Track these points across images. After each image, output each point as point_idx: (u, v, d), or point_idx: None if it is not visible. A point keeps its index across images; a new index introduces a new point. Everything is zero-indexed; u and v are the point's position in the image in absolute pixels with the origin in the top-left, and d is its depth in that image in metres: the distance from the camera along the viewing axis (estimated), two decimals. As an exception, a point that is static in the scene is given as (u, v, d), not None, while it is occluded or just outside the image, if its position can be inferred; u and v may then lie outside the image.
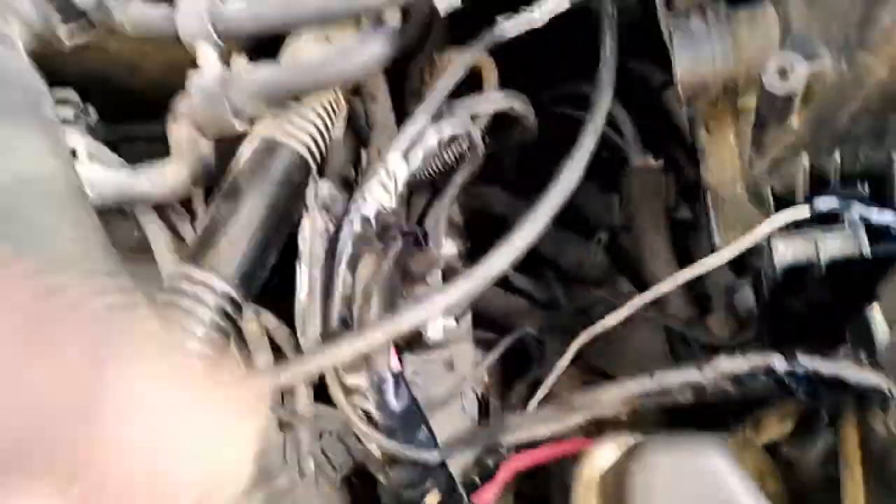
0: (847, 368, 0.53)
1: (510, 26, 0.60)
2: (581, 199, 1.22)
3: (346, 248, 0.53)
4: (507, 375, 1.02)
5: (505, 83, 0.84)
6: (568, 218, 1.22)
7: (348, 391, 0.56)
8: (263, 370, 0.50)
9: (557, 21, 0.70)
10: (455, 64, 0.58)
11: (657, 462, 0.46)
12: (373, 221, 0.55)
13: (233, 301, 0.58)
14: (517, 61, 0.86)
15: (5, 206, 0.39)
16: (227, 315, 0.57)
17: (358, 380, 0.54)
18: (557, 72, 1.15)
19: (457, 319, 0.76)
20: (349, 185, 0.82)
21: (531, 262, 1.29)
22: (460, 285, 0.56)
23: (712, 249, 0.74)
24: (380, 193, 0.54)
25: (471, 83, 0.95)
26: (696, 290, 1.02)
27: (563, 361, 0.78)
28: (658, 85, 1.16)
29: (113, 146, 0.77)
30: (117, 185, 0.65)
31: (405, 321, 0.50)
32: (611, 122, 1.10)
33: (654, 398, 0.58)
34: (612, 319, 0.73)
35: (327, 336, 0.52)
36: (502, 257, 0.58)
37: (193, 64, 0.63)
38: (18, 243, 0.38)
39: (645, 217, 1.06)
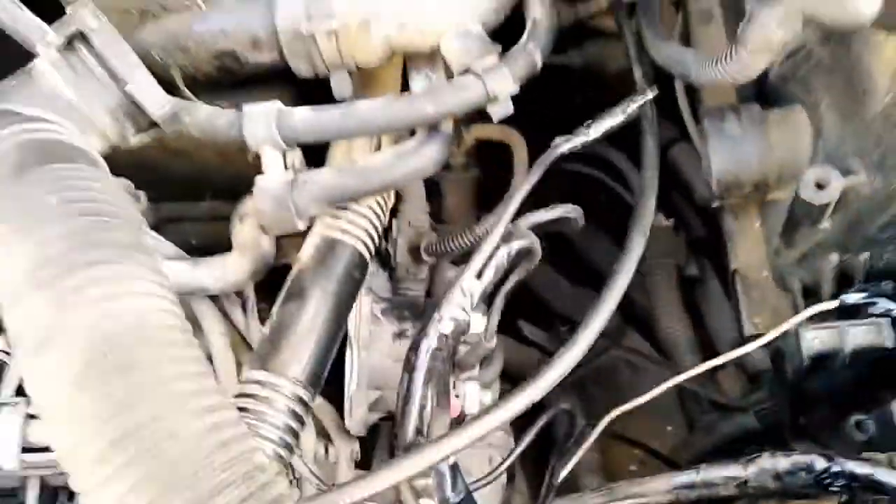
0: (881, 471, 0.57)
1: (567, 146, 0.64)
2: (594, 254, 1.27)
3: (423, 363, 0.56)
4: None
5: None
6: (580, 273, 1.27)
7: (417, 493, 0.59)
8: (345, 487, 0.52)
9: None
10: (521, 186, 0.61)
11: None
12: (449, 337, 0.58)
13: (303, 402, 0.60)
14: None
15: (127, 356, 0.41)
16: (297, 417, 0.59)
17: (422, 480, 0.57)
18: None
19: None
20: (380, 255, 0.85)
21: (544, 314, 1.33)
22: (528, 393, 0.59)
23: (740, 332, 0.78)
24: (457, 312, 0.57)
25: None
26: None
27: (593, 436, 0.81)
28: (665, 142, 1.21)
29: (156, 227, 0.78)
30: (177, 276, 0.67)
31: (476, 431, 0.53)
32: (624, 181, 1.14)
33: (699, 490, 0.62)
34: (643, 398, 0.76)
35: (406, 447, 0.54)
36: (564, 363, 0.61)
37: (242, 151, 0.66)
38: (140, 391, 0.40)
39: (657, 274, 1.11)
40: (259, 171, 0.65)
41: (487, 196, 1.07)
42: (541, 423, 0.76)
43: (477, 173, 1.03)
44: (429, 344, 0.56)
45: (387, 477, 0.52)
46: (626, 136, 0.84)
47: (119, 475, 0.40)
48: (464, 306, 0.58)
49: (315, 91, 0.69)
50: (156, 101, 0.57)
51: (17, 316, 0.44)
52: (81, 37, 0.55)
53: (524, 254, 0.62)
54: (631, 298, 1.18)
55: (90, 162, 0.53)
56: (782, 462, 0.59)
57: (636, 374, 1.18)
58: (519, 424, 1.02)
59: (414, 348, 0.57)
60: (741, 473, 0.60)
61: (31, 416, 0.59)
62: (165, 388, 0.43)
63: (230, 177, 0.73)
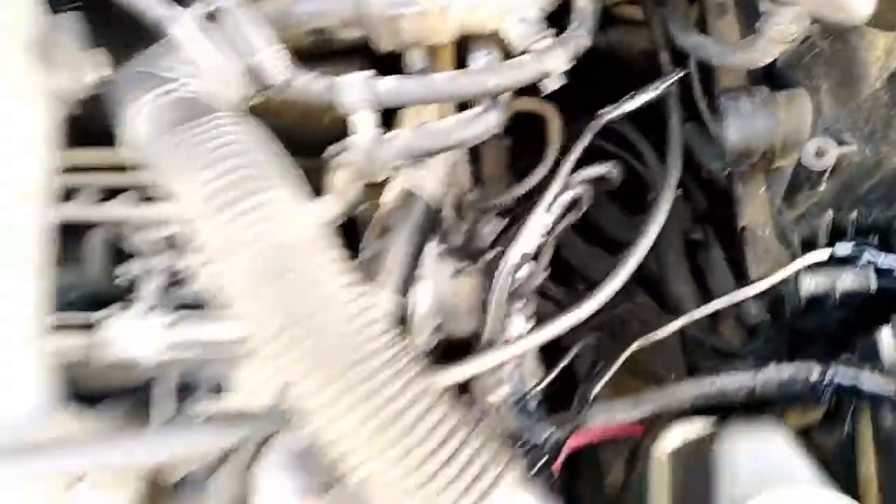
0: (865, 378, 0.70)
1: (613, 114, 0.77)
2: (607, 220, 1.40)
3: (505, 278, 0.69)
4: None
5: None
6: (596, 236, 1.40)
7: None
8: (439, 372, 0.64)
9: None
10: (577, 145, 0.74)
11: (740, 442, 0.62)
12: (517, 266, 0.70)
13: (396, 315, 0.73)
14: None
15: (291, 259, 0.53)
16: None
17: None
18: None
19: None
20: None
21: (564, 273, 1.46)
22: (563, 321, 0.72)
23: (744, 278, 0.92)
24: (526, 245, 0.69)
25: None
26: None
27: (616, 364, 0.94)
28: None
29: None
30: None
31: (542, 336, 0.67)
32: (638, 155, 1.27)
33: (714, 398, 0.76)
34: (665, 331, 0.89)
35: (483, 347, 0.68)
36: (592, 303, 0.75)
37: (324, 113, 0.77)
38: (302, 286, 0.52)
39: (666, 238, 1.23)
40: (338, 130, 0.77)
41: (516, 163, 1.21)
42: (572, 352, 0.89)
43: (509, 142, 1.16)
44: (509, 264, 0.69)
45: (465, 370, 0.65)
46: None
47: (286, 349, 0.52)
48: (531, 242, 0.71)
49: (377, 62, 0.81)
50: (277, 70, 0.69)
51: (203, 231, 0.56)
52: (216, 12, 0.66)
53: (575, 203, 0.74)
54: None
55: (230, 116, 0.64)
56: (785, 371, 0.72)
57: (645, 328, 1.32)
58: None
59: (493, 269, 0.70)
60: (750, 383, 0.73)
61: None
62: (323, 282, 0.55)
63: (309, 135, 0.85)
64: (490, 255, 0.87)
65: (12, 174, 0.61)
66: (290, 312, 0.53)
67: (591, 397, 0.81)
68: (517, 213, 0.98)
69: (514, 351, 0.69)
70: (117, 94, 0.66)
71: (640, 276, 1.34)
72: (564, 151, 0.90)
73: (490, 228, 0.93)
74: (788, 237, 0.88)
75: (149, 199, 0.76)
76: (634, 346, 0.93)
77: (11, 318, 0.59)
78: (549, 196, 0.72)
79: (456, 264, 0.90)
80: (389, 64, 0.81)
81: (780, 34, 0.68)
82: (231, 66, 0.67)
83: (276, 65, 0.68)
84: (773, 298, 0.92)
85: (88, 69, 0.68)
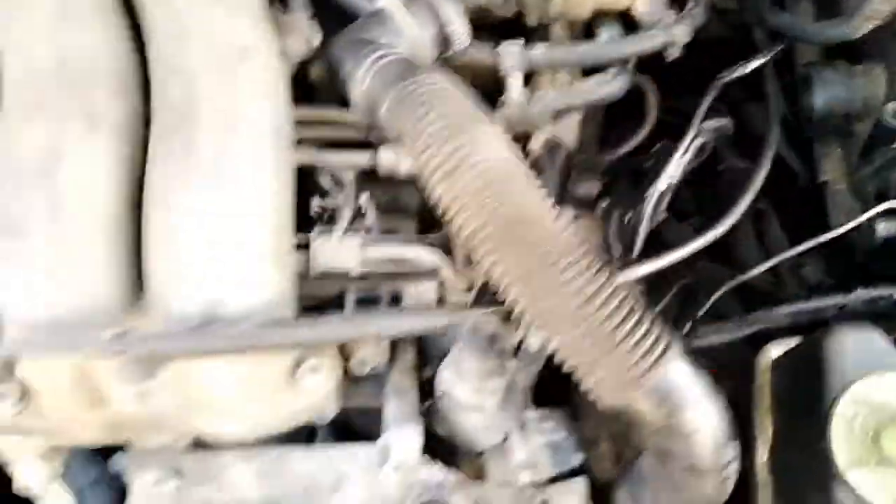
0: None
1: (730, 77, 0.93)
2: (680, 189, 1.55)
3: (656, 194, 0.86)
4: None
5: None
6: (669, 204, 1.56)
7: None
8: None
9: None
10: (705, 100, 0.91)
11: (842, 338, 0.77)
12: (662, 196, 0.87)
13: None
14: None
15: (509, 181, 0.68)
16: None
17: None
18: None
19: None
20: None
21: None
22: (672, 256, 0.88)
23: (827, 227, 1.06)
24: (672, 173, 0.86)
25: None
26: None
27: (707, 304, 1.10)
28: (739, 100, 1.49)
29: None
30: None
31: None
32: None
33: (809, 314, 0.91)
34: (756, 270, 1.04)
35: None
36: (697, 243, 0.91)
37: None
38: (514, 203, 0.67)
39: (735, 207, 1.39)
40: (494, 89, 0.92)
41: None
42: (673, 290, 1.04)
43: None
44: (658, 191, 0.85)
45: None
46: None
47: (501, 245, 0.67)
48: (673, 174, 0.87)
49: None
50: (462, 37, 0.84)
51: (429, 162, 0.70)
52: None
53: (700, 148, 0.90)
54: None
55: (437, 72, 0.79)
56: (873, 292, 0.87)
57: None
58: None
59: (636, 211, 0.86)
60: (842, 300, 0.88)
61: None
62: (528, 193, 0.70)
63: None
64: (602, 205, 1.03)
65: (261, 115, 0.77)
66: (504, 215, 0.68)
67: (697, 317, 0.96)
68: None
69: (643, 271, 0.84)
70: (338, 57, 0.82)
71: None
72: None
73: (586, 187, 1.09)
74: (863, 191, 1.03)
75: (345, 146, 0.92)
76: (725, 289, 1.09)
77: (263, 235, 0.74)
78: (686, 140, 0.88)
79: (574, 210, 1.06)
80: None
81: (874, 13, 0.83)
82: (426, 33, 0.83)
83: (462, 33, 0.84)
84: (849, 241, 1.07)
85: (313, 35, 0.84)
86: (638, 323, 0.68)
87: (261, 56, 0.76)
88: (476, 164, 0.70)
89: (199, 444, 0.82)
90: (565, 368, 0.70)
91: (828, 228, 1.03)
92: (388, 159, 0.94)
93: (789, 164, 1.21)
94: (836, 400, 0.73)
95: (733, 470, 0.72)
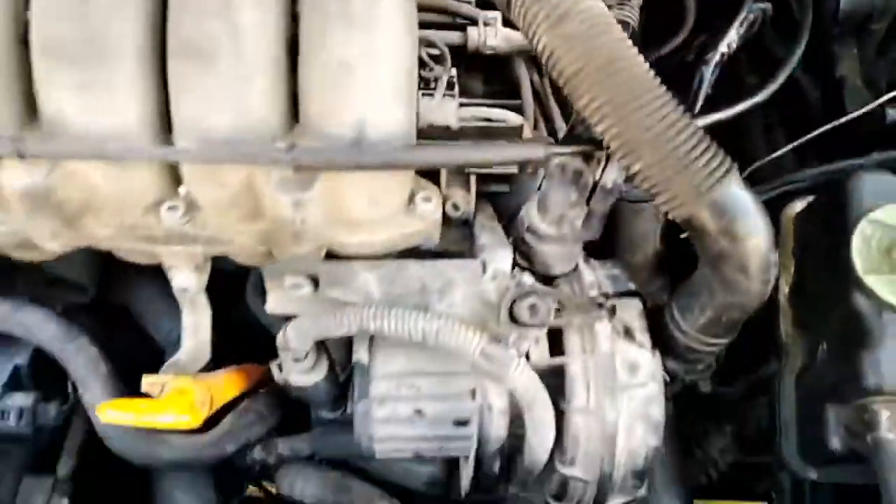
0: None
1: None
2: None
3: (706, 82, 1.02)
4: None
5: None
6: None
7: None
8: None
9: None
10: None
11: (864, 177, 0.94)
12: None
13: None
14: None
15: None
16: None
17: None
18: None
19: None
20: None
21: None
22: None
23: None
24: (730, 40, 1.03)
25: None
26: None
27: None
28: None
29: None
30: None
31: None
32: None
33: (830, 175, 1.09)
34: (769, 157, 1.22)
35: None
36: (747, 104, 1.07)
37: None
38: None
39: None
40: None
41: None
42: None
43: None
44: (719, 52, 1.01)
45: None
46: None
47: (591, 89, 0.83)
48: (731, 41, 1.03)
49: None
50: None
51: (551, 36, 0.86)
52: None
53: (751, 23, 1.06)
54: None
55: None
56: (891, 153, 1.05)
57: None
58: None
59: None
60: (860, 161, 1.06)
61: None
62: (623, 46, 0.85)
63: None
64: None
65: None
66: (603, 56, 0.84)
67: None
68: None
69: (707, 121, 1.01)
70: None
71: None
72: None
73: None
74: (876, 82, 1.20)
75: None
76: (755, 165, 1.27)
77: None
78: (742, 13, 1.04)
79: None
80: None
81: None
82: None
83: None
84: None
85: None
86: (706, 149, 0.85)
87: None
88: (580, 12, 0.85)
89: (331, 257, 0.99)
90: (643, 188, 0.87)
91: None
92: (475, 37, 1.09)
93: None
94: (858, 220, 0.91)
95: (773, 274, 0.90)
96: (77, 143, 0.82)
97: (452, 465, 1.42)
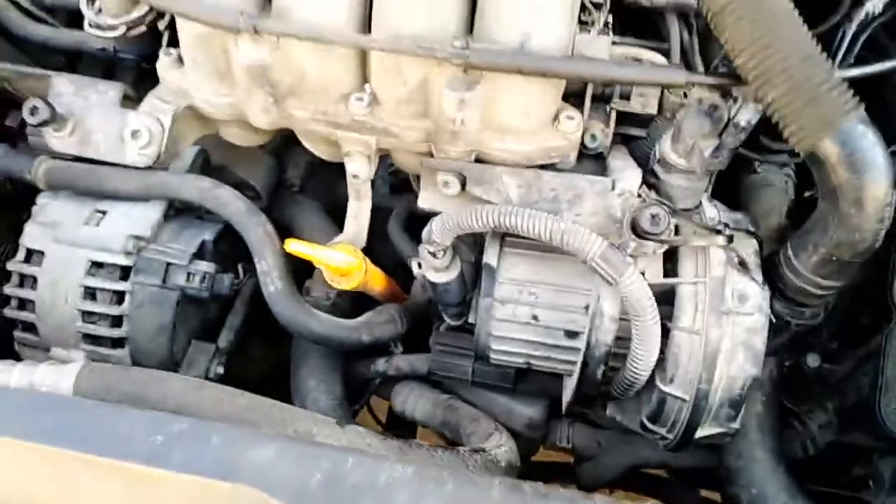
0: None
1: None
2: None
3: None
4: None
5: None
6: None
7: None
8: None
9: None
10: None
11: None
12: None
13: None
14: None
15: None
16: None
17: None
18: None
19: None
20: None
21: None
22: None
23: None
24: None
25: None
26: None
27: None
28: None
29: None
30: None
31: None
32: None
33: None
34: None
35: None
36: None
37: None
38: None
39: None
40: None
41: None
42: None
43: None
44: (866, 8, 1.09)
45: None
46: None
47: (736, 24, 0.94)
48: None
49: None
50: None
51: None
52: None
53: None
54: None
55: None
56: None
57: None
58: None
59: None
60: None
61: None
62: (780, 7, 0.97)
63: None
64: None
65: None
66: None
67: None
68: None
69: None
70: None
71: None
72: None
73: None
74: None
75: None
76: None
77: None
78: None
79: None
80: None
81: None
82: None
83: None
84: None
85: None
86: (836, 85, 0.94)
87: None
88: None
89: (478, 161, 1.14)
90: (774, 119, 0.97)
91: None
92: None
93: None
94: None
95: (889, 214, 0.96)
96: (299, 26, 1.02)
97: (552, 411, 1.54)
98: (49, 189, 1.30)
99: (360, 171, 1.17)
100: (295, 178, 1.59)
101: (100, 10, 1.21)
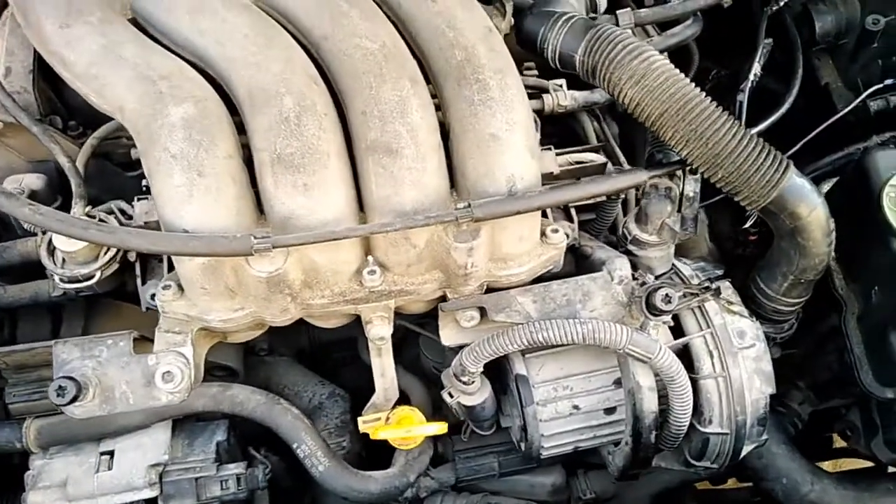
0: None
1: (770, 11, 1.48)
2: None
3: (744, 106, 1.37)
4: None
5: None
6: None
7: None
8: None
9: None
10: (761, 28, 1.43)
11: (877, 155, 1.29)
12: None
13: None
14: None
15: None
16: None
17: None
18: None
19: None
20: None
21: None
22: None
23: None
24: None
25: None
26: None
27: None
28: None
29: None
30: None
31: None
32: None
33: (844, 158, 1.45)
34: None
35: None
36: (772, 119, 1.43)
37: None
38: None
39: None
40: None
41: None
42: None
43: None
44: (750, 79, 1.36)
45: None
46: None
47: (673, 125, 1.16)
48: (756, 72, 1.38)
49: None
50: (603, 4, 1.34)
51: (623, 68, 1.19)
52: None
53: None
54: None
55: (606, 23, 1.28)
56: (884, 135, 1.41)
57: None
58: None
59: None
60: (863, 144, 1.42)
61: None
62: (690, 88, 1.19)
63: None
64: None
65: (512, 66, 1.23)
66: (679, 99, 1.16)
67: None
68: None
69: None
70: (531, 28, 1.30)
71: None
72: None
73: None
74: (855, 83, 1.58)
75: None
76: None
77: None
78: (758, 50, 1.40)
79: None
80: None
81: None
82: (582, 4, 1.33)
83: (604, 5, 1.34)
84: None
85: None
86: (768, 153, 1.18)
87: (496, 31, 1.23)
88: (654, 70, 1.18)
89: (488, 291, 1.27)
90: (725, 190, 1.20)
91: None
92: (550, 102, 1.43)
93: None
94: (882, 188, 1.25)
95: (833, 237, 1.22)
96: (311, 232, 1.09)
97: (570, 472, 1.69)
98: (42, 449, 1.25)
99: (384, 333, 1.25)
100: (262, 343, 1.61)
101: (63, 262, 1.18)
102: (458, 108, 1.17)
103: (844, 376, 1.43)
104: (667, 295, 1.20)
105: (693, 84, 1.20)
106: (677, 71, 1.21)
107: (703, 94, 1.19)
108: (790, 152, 1.57)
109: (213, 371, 1.51)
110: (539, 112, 1.46)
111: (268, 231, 1.10)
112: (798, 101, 1.72)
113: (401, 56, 1.18)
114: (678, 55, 1.71)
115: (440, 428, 1.23)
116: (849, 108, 1.52)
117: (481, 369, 1.26)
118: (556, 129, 1.54)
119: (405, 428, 1.21)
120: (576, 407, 1.31)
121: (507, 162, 1.16)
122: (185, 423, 1.37)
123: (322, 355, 1.72)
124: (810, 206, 1.19)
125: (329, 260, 1.15)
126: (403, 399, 1.48)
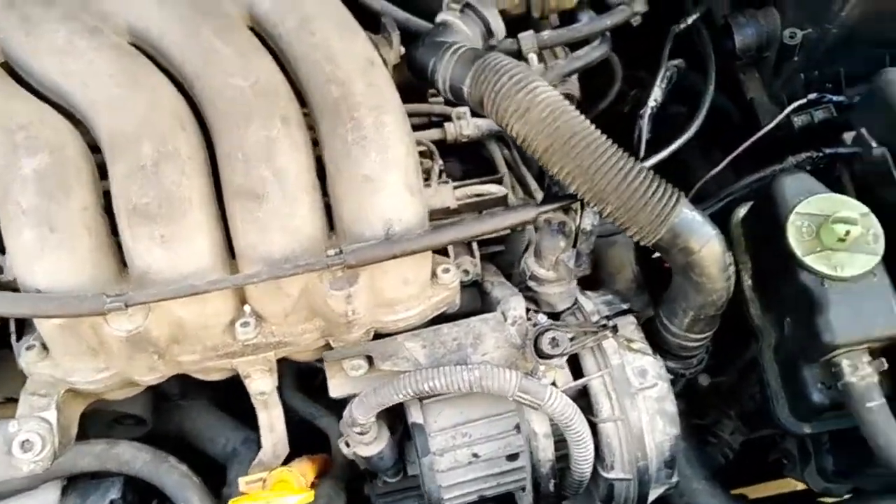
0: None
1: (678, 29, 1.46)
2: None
3: (644, 132, 1.37)
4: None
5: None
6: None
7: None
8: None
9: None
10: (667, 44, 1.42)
11: (786, 181, 1.28)
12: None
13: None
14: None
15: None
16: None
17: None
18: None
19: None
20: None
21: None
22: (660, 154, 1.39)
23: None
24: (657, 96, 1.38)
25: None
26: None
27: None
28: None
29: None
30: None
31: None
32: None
33: (759, 181, 1.43)
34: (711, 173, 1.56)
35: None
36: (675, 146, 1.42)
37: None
38: None
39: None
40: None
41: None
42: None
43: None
44: (649, 107, 1.35)
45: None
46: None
47: (561, 160, 1.15)
48: (657, 98, 1.37)
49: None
50: (500, 32, 1.32)
51: (512, 103, 1.18)
52: (468, 5, 1.30)
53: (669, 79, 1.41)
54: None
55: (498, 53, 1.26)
56: (800, 157, 1.40)
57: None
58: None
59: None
60: (779, 166, 1.41)
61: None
62: (578, 121, 1.18)
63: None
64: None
65: (394, 101, 1.21)
66: (565, 133, 1.15)
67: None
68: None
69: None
70: (422, 58, 1.29)
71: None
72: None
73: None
74: (779, 98, 1.56)
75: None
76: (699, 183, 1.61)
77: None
78: (660, 72, 1.38)
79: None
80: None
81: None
82: (477, 31, 1.31)
83: (500, 29, 1.32)
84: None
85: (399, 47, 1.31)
86: (657, 186, 1.17)
87: (380, 64, 1.22)
88: (540, 102, 1.17)
89: (377, 337, 1.26)
90: (616, 225, 1.18)
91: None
92: (452, 130, 1.41)
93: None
94: (788, 215, 1.24)
95: (732, 271, 1.21)
96: (170, 287, 1.08)
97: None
98: None
99: (265, 387, 1.24)
100: (173, 388, 1.60)
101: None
102: (333, 148, 1.16)
103: (767, 408, 1.42)
104: (553, 338, 1.19)
105: (581, 116, 1.18)
106: (565, 103, 1.19)
107: (592, 126, 1.17)
108: (713, 171, 1.56)
109: (122, 420, 1.51)
110: (441, 142, 1.45)
111: (125, 287, 1.09)
112: (734, 116, 1.72)
113: (274, 94, 1.16)
114: (602, 73, 1.71)
115: (306, 498, 1.22)
116: (771, 124, 1.50)
117: (373, 419, 1.25)
118: (471, 157, 1.54)
119: (265, 499, 1.20)
120: (475, 455, 1.30)
121: (383, 204, 1.14)
122: (79, 480, 1.36)
123: (241, 394, 1.72)
124: (702, 240, 1.17)
125: (196, 314, 1.14)
126: (322, 442, 1.49)
